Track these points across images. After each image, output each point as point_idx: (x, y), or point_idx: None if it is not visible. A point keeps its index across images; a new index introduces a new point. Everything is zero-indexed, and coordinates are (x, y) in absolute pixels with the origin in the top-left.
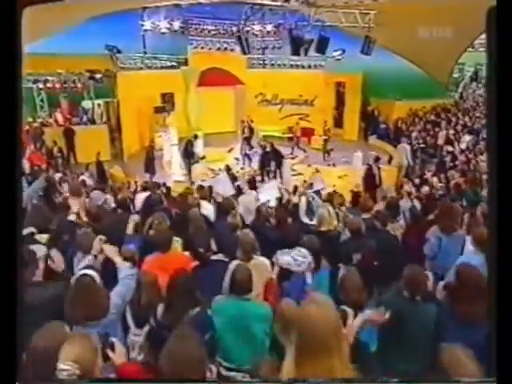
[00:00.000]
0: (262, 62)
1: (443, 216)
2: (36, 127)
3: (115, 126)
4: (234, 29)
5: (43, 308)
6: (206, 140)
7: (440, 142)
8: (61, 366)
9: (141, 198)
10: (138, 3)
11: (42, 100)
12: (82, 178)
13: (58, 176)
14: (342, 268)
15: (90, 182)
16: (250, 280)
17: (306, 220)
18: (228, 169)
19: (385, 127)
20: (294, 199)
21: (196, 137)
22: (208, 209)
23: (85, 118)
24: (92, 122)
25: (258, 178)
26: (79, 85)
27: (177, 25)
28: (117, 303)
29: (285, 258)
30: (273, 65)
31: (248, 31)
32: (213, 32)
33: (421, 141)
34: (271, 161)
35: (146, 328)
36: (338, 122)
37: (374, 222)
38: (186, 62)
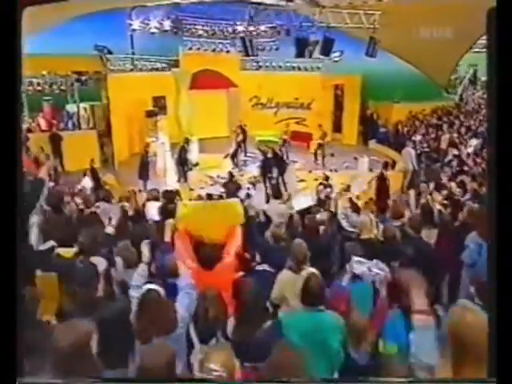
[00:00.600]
0: (256, 63)
1: (480, 221)
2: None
3: (104, 131)
4: (230, 29)
5: (113, 322)
6: (200, 146)
7: (443, 145)
8: (211, 366)
9: (153, 207)
10: (127, 2)
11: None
12: (80, 186)
13: (50, 185)
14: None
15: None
16: (323, 290)
17: (347, 227)
18: (231, 176)
19: (385, 131)
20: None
21: (188, 142)
22: None
23: (70, 123)
24: (78, 126)
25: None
26: (63, 87)
27: (167, 24)
28: (184, 316)
29: (360, 267)
30: (267, 67)
31: (251, 32)
32: (208, 33)
33: (425, 145)
34: (273, 167)
35: (213, 342)
36: (337, 126)
37: (407, 229)
38: (177, 64)
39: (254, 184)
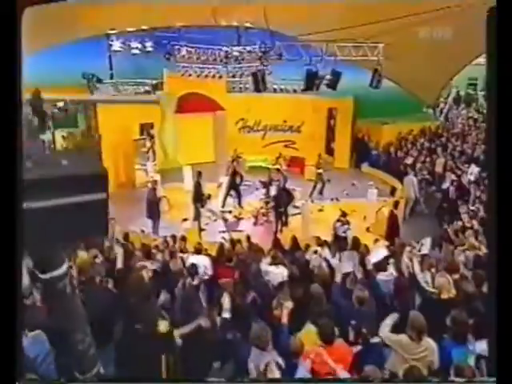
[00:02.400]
0: (243, 85)
1: None
2: None
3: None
4: (223, 54)
5: None
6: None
7: (438, 169)
8: None
9: (201, 262)
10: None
11: None
12: None
13: None
14: None
15: None
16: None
17: (427, 287)
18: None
19: (376, 153)
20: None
21: (201, 175)
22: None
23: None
24: None
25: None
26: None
27: (149, 45)
28: None
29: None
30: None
31: (241, 53)
32: (195, 56)
33: (424, 172)
34: (281, 201)
35: None
36: (329, 149)
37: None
38: (161, 87)
39: (256, 217)
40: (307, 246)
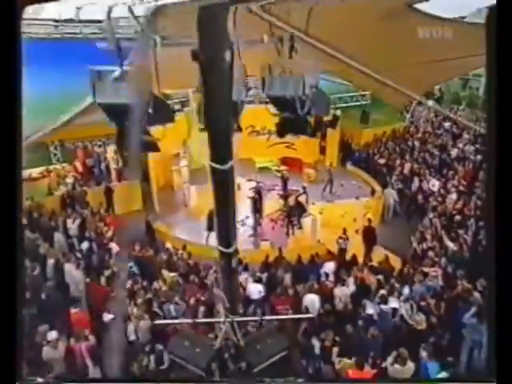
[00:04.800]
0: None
1: None
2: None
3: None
4: None
5: None
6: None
7: (406, 171)
8: None
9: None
10: None
11: (55, 148)
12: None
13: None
14: None
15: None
16: None
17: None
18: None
19: (358, 154)
20: None
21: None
22: None
23: (103, 165)
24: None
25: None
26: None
27: None
28: None
29: None
30: (261, 102)
31: None
32: None
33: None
34: (295, 214)
35: None
36: (321, 149)
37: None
38: (187, 104)
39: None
40: (313, 257)
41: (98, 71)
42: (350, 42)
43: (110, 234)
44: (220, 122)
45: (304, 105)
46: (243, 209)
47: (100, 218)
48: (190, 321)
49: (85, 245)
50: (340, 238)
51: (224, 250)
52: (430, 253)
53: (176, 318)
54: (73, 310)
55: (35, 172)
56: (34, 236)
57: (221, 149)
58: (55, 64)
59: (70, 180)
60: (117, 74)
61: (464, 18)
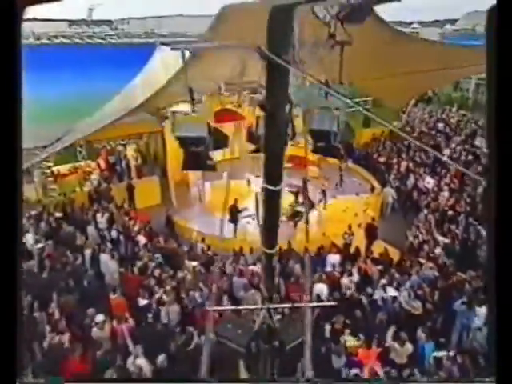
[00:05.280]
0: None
1: None
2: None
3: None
4: None
5: None
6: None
7: (402, 169)
8: None
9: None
10: None
11: (81, 146)
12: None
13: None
14: None
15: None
16: None
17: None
18: None
19: (358, 152)
20: None
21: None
22: None
23: (123, 163)
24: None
25: None
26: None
27: None
28: None
29: None
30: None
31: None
32: None
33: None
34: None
35: None
36: None
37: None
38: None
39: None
40: (319, 249)
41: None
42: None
43: (136, 227)
44: (276, 144)
45: (336, 136)
46: (253, 204)
47: (125, 212)
48: (233, 308)
49: (114, 237)
50: (346, 233)
51: (268, 251)
52: (425, 246)
53: (202, 303)
54: (112, 296)
55: (64, 169)
56: (70, 229)
57: (274, 172)
58: (82, 68)
59: (94, 176)
60: (189, 110)
61: (456, 20)
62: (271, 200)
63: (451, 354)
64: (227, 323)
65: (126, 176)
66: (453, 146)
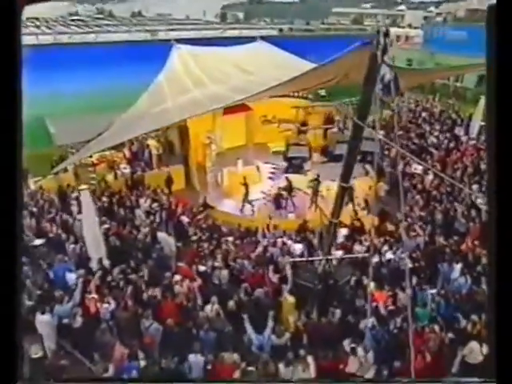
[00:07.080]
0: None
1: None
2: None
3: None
4: None
5: None
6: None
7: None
8: None
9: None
10: None
11: None
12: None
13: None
14: None
15: None
16: None
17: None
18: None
19: None
20: None
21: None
22: None
23: (146, 152)
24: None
25: None
26: None
27: None
28: None
29: None
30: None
31: None
32: None
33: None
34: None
35: None
36: (324, 135)
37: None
38: None
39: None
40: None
41: None
42: None
43: (179, 209)
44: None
45: None
46: (264, 187)
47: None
48: (304, 259)
49: (164, 218)
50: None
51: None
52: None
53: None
54: (180, 264)
55: (94, 159)
56: (121, 212)
57: (347, 172)
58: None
59: (123, 165)
60: None
61: (441, 3)
62: (343, 192)
63: (441, 292)
64: (299, 269)
65: (150, 164)
66: (436, 133)
